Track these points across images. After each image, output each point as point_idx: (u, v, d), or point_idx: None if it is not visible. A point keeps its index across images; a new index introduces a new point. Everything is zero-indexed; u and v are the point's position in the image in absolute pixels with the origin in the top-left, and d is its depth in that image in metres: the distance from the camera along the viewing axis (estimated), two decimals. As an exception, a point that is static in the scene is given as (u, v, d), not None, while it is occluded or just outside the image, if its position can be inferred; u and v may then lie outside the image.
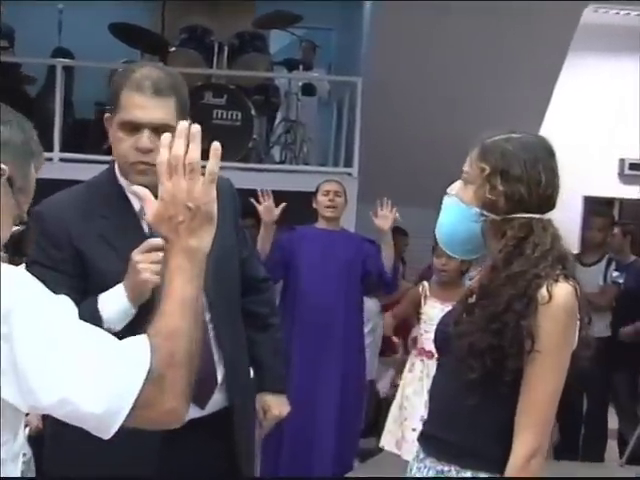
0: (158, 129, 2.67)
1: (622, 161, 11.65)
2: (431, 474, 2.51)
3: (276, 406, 3.33)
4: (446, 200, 2.61)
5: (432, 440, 2.57)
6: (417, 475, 2.57)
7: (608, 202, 11.59)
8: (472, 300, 2.54)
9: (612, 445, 7.74)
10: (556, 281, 2.38)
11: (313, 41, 10.47)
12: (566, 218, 7.70)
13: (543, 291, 2.36)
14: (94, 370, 1.79)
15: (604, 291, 7.37)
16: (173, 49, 9.26)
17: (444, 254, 4.72)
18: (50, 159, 8.81)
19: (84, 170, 8.31)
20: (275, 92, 9.86)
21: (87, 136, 9.51)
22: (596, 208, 9.56)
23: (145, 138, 2.74)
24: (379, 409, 7.11)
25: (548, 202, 2.51)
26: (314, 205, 6.08)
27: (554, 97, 9.95)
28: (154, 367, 1.81)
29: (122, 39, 9.46)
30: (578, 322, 2.43)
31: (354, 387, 5.93)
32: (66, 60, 9.70)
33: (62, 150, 8.97)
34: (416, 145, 9.13)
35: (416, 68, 8.93)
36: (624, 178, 11.76)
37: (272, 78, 10.00)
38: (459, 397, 2.46)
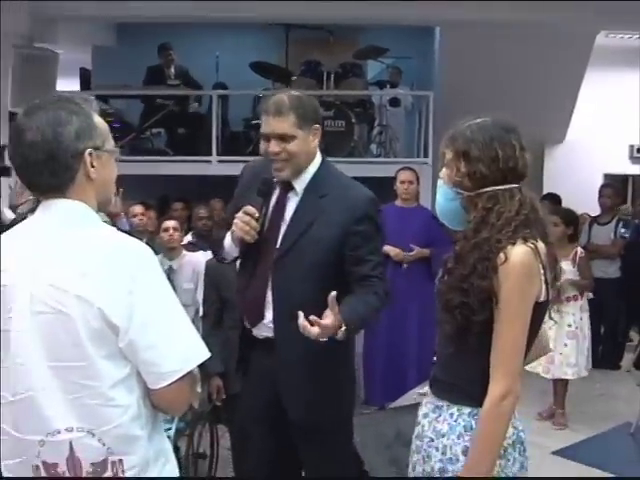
0: (282, 137, 2.76)
1: (632, 147, 11.38)
2: (431, 407, 2.28)
3: (330, 318, 2.50)
4: (438, 182, 2.33)
5: (434, 380, 2.33)
6: (423, 408, 2.33)
7: (624, 179, 11.39)
8: (450, 265, 2.23)
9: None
10: (514, 244, 2.09)
11: (399, 67, 10.31)
12: (590, 190, 7.76)
13: (501, 254, 2.08)
14: (179, 334, 1.78)
15: (614, 244, 7.35)
16: (294, 78, 9.31)
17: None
18: (210, 161, 9.03)
19: (235, 168, 8.51)
20: (371, 105, 9.77)
21: (238, 143, 9.62)
22: (606, 181, 9.52)
23: (272, 145, 2.78)
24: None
25: (513, 173, 2.18)
26: (395, 187, 5.95)
27: (579, 104, 10.01)
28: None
29: (259, 73, 9.57)
30: (542, 277, 2.12)
31: (428, 316, 5.66)
32: (220, 91, 9.83)
33: (219, 154, 9.13)
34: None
35: (472, 83, 8.81)
36: (633, 159, 11.50)
37: (368, 95, 9.89)
38: (443, 346, 2.24)
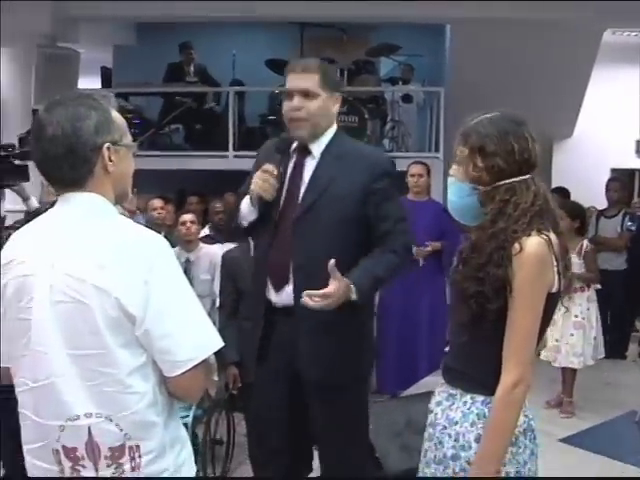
0: (305, 94, 2.76)
1: (638, 142, 11.34)
2: (444, 396, 2.26)
3: (332, 285, 2.55)
4: (448, 180, 2.28)
5: (447, 369, 2.30)
6: (436, 397, 2.30)
7: (630, 173, 11.32)
8: (466, 254, 2.20)
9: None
10: (529, 235, 2.06)
11: (411, 64, 10.26)
12: (598, 184, 7.73)
13: (516, 244, 2.05)
14: (193, 324, 1.78)
15: (621, 236, 7.30)
16: (309, 75, 9.24)
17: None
18: (226, 156, 9.04)
19: (251, 163, 8.55)
20: (383, 101, 9.75)
21: (254, 138, 9.61)
22: (613, 175, 9.45)
23: (294, 100, 2.77)
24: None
25: (527, 164, 2.15)
26: (406, 181, 5.94)
27: (587, 100, 9.96)
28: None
29: (274, 70, 9.49)
30: (555, 268, 2.10)
31: (439, 307, 5.67)
32: (237, 87, 9.86)
33: (236, 149, 9.15)
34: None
35: (482, 79, 8.75)
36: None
37: (380, 91, 9.87)
38: (457, 334, 2.22)
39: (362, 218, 2.77)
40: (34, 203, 4.17)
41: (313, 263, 2.68)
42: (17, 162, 3.53)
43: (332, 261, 2.48)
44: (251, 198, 2.79)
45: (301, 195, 2.80)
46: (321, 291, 2.49)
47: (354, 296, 2.57)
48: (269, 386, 2.92)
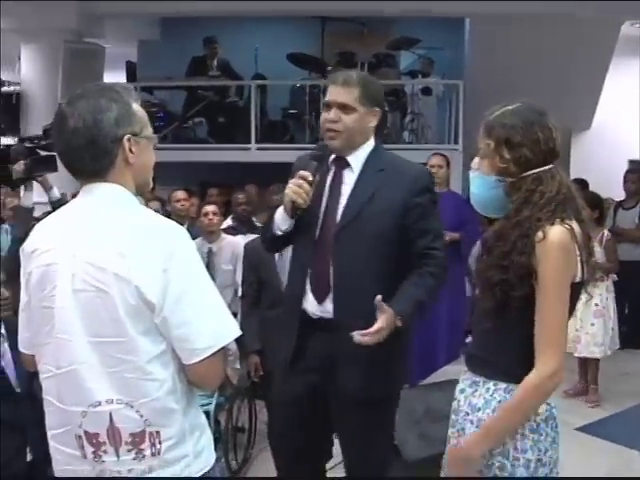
0: (343, 107, 2.71)
1: None
2: (467, 383, 2.24)
3: (382, 320, 2.52)
4: (471, 174, 2.25)
5: (470, 357, 2.28)
6: (460, 384, 2.29)
7: None
8: (490, 243, 2.17)
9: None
10: (552, 224, 2.03)
11: (430, 57, 10.21)
12: (616, 176, 7.63)
13: (539, 232, 2.02)
14: (211, 312, 1.77)
15: (639, 228, 7.19)
16: (329, 68, 9.26)
17: None
18: (249, 148, 9.05)
19: (273, 155, 8.59)
20: (403, 94, 9.74)
21: (275, 131, 9.62)
22: (631, 167, 9.25)
23: (332, 113, 2.73)
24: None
25: (552, 153, 2.13)
26: (425, 172, 5.89)
27: (605, 92, 9.94)
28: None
29: (296, 64, 9.58)
30: (578, 257, 2.07)
31: (458, 298, 5.67)
32: (259, 81, 9.89)
33: (258, 142, 9.16)
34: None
35: (500, 73, 8.69)
36: (656, 145, 11.35)
37: (400, 84, 9.88)
38: (481, 322, 2.18)
39: (401, 231, 2.73)
40: (56, 193, 4.20)
41: (353, 276, 2.67)
42: (43, 153, 3.55)
43: (379, 297, 2.46)
44: (285, 205, 2.75)
45: (341, 209, 2.76)
46: (373, 328, 2.47)
47: (399, 323, 2.55)
48: (295, 394, 2.86)
